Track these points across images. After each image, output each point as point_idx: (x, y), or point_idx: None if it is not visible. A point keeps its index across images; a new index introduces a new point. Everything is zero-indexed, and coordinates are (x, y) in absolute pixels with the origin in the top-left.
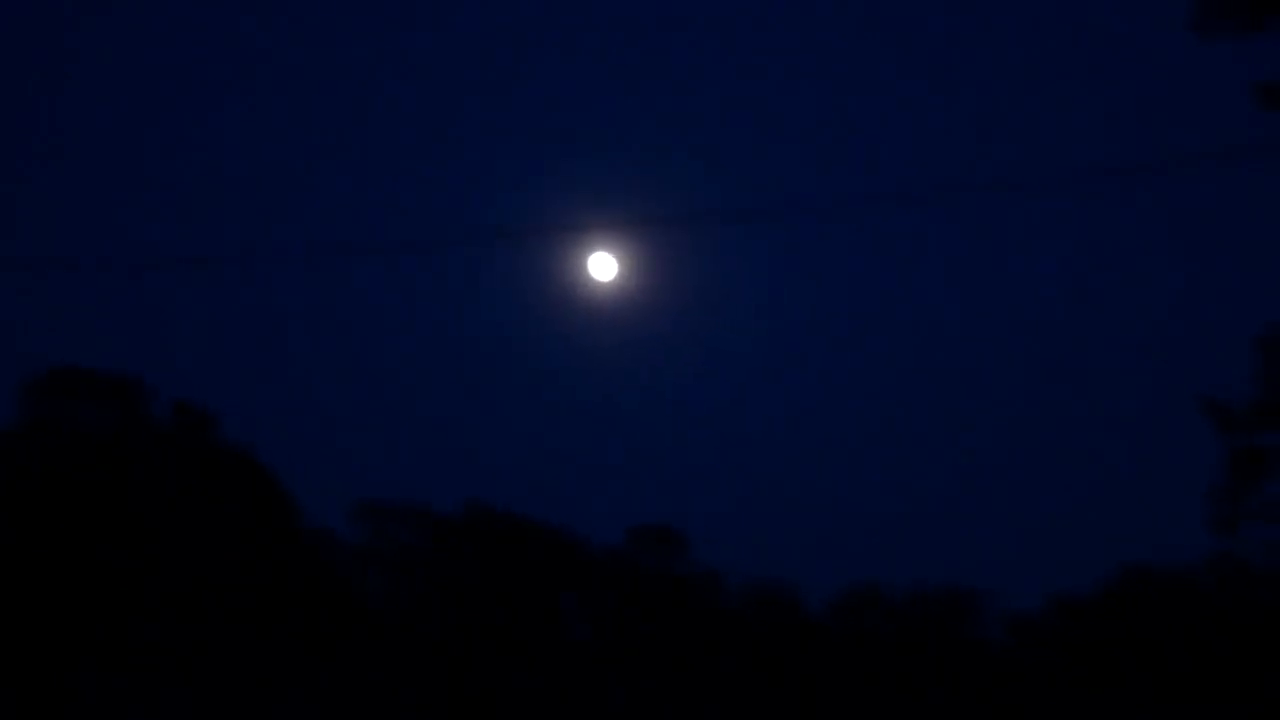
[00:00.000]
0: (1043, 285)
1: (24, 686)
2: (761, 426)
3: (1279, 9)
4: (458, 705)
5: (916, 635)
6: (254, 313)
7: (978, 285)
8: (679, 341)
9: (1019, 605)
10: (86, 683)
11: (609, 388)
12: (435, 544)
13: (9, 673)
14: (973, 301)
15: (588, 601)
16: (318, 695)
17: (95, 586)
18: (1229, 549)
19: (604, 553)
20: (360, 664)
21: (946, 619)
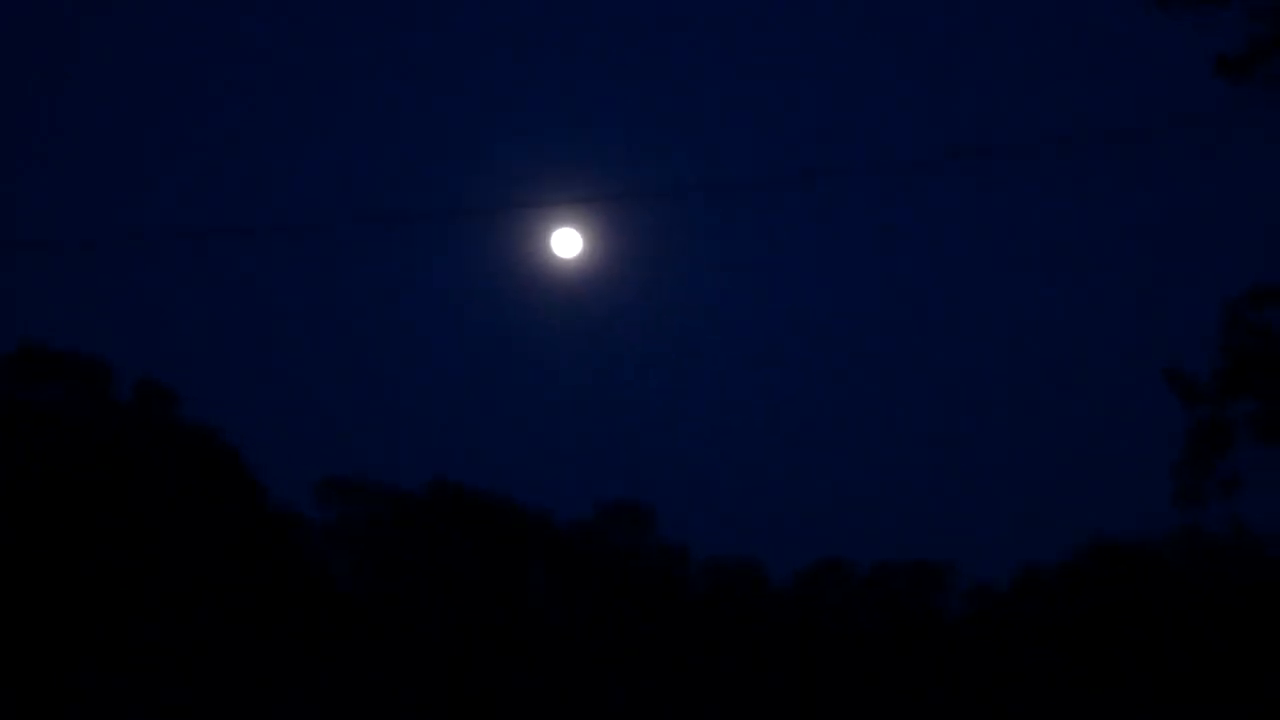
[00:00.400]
0: (1008, 256)
1: (18, 686)
2: (730, 403)
3: None
4: (426, 685)
5: (880, 608)
6: (218, 292)
7: (943, 260)
8: (645, 317)
9: (984, 578)
10: (72, 679)
11: (576, 365)
12: (400, 521)
13: (7, 672)
14: (939, 276)
15: (554, 576)
16: (282, 674)
17: (65, 576)
18: (1194, 522)
19: (571, 527)
20: (327, 643)
21: (911, 591)
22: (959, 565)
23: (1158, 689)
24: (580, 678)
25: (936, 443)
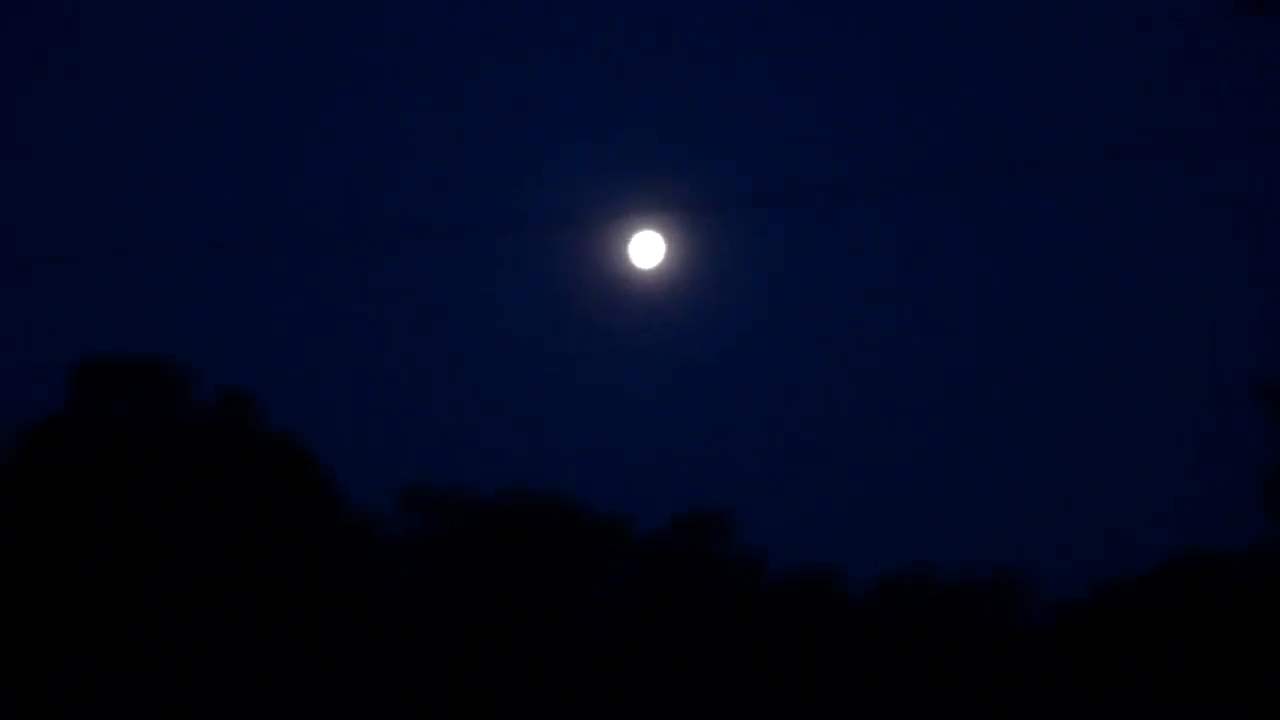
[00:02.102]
0: (1097, 261)
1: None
2: (810, 408)
3: None
4: (491, 694)
5: (960, 623)
6: (298, 299)
7: (1033, 260)
8: (725, 324)
9: (1066, 589)
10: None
11: (654, 372)
12: (476, 530)
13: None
14: (1029, 276)
15: (631, 587)
16: (335, 679)
17: (110, 584)
18: None
19: (649, 538)
20: (392, 659)
21: (991, 606)
22: (1038, 574)
23: (1253, 703)
24: (656, 692)
25: (1023, 447)
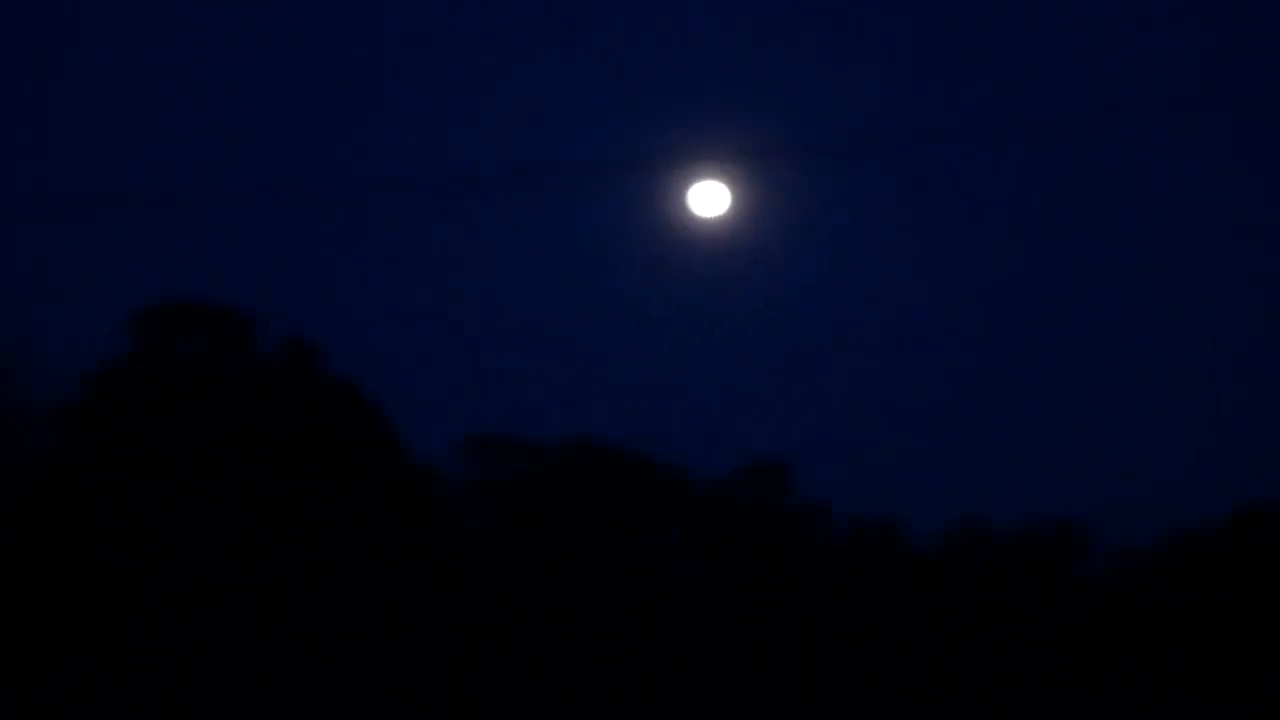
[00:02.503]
0: (1160, 214)
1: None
2: (870, 359)
3: None
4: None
5: (1024, 574)
6: (357, 246)
7: (1091, 214)
8: (787, 274)
9: (1131, 540)
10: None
11: (717, 321)
12: (539, 478)
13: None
14: (1088, 231)
15: (693, 537)
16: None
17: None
18: None
19: (711, 488)
20: (455, 602)
21: (1055, 557)
22: (1102, 526)
23: None
24: (708, 648)
25: (1083, 401)
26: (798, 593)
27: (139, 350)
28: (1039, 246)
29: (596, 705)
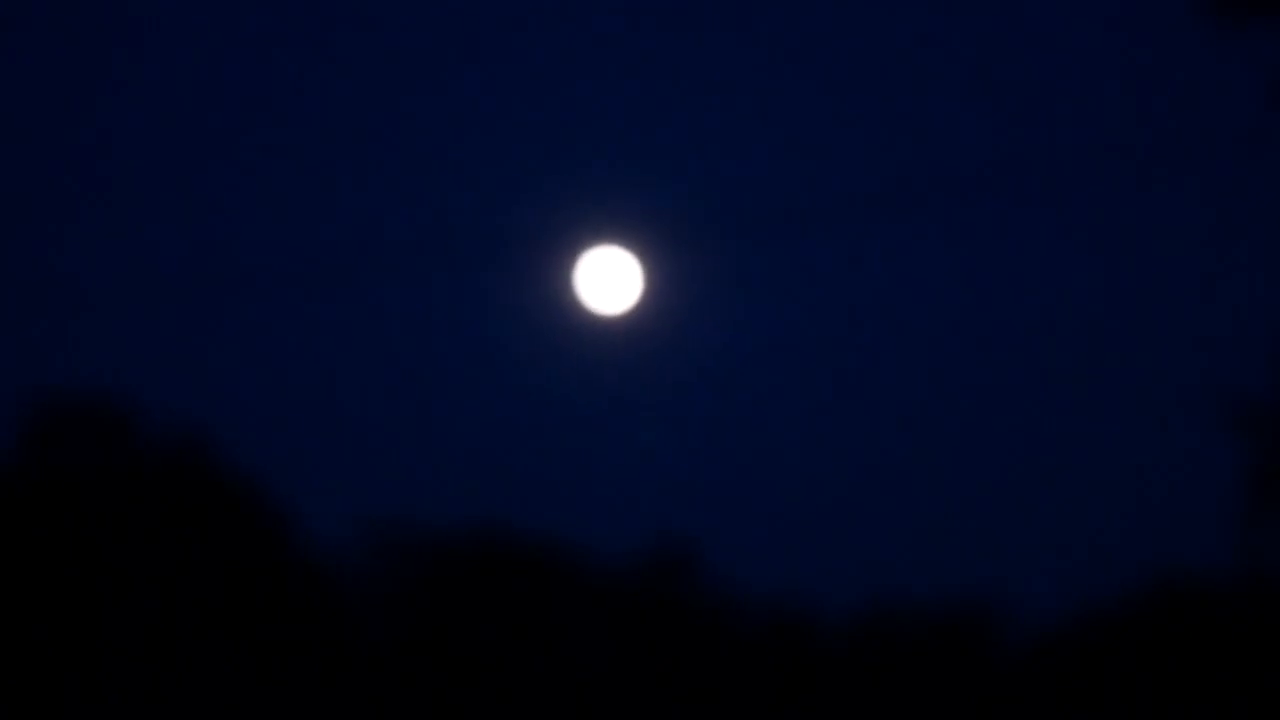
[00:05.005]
0: (1063, 283)
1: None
2: (779, 434)
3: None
4: None
5: (936, 659)
6: (249, 334)
7: (1000, 289)
8: (691, 348)
9: (1041, 617)
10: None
11: (619, 398)
12: (435, 568)
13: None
14: (1000, 304)
15: (594, 630)
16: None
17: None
18: (1259, 566)
19: (613, 575)
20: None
21: (966, 640)
22: (1011, 601)
23: None
24: None
25: (994, 473)
26: (702, 689)
27: (19, 451)
28: (951, 320)
29: None
